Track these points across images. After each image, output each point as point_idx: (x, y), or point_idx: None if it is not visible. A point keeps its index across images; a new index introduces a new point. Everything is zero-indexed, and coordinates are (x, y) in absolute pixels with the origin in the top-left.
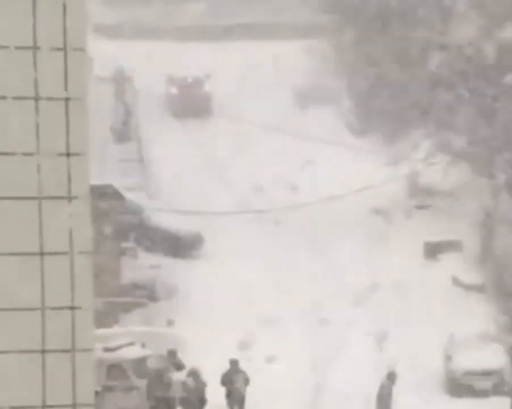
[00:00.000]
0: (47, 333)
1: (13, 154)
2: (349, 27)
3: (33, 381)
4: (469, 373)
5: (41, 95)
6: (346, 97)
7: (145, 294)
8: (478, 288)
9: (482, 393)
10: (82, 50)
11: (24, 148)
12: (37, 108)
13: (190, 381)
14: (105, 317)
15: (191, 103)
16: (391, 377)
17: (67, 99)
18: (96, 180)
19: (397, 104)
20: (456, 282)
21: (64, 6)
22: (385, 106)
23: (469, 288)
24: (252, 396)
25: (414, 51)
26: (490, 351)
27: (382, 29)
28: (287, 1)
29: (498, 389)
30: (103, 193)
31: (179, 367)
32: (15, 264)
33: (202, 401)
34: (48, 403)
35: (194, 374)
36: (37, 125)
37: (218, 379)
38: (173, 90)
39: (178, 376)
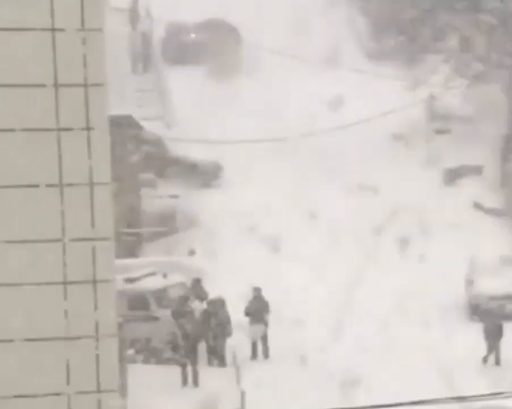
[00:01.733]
0: (69, 264)
1: (30, 86)
2: None
3: (56, 313)
4: (490, 297)
5: (57, 27)
6: (362, 22)
7: (165, 224)
8: (499, 212)
9: (504, 317)
10: None
11: (41, 80)
12: (53, 40)
13: (213, 310)
14: (125, 248)
15: (177, 49)
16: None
17: (84, 30)
18: (114, 111)
19: (414, 27)
20: (477, 206)
21: None
22: (402, 30)
23: (489, 212)
24: (275, 323)
25: None
26: None
27: None
28: None
29: None
30: (121, 124)
31: (202, 296)
32: (35, 196)
33: (226, 331)
34: (71, 334)
35: (217, 303)
36: (54, 57)
37: (240, 308)
38: (163, 34)
39: (201, 306)
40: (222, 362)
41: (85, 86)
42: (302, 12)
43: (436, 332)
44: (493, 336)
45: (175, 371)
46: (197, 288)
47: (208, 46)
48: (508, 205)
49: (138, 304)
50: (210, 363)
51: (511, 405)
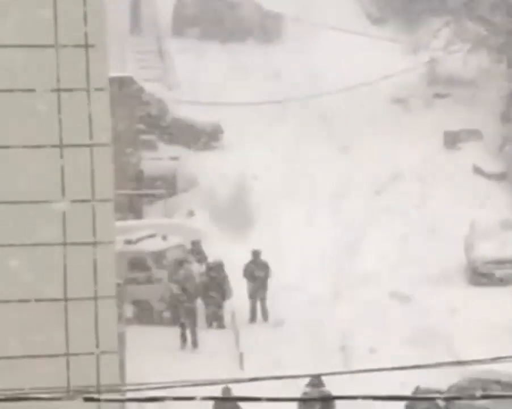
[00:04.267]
0: (69, 226)
1: (31, 46)
2: None
3: (56, 274)
4: (491, 262)
5: None
6: None
7: (165, 186)
8: (499, 177)
9: (504, 282)
10: None
11: (42, 40)
12: (55, 1)
13: (212, 272)
14: (125, 210)
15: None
16: None
17: None
18: (115, 72)
19: None
20: (477, 170)
21: None
22: None
23: (489, 176)
24: (275, 286)
25: None
26: None
27: None
28: None
29: None
30: (122, 86)
31: (201, 258)
32: (34, 157)
33: (225, 293)
34: (70, 296)
35: (216, 265)
36: (55, 17)
37: (240, 271)
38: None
39: (199, 268)
40: (221, 324)
41: (86, 46)
42: None
43: (435, 295)
44: None
45: (174, 333)
46: (196, 250)
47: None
48: (508, 169)
49: (137, 265)
50: (209, 325)
51: (510, 370)
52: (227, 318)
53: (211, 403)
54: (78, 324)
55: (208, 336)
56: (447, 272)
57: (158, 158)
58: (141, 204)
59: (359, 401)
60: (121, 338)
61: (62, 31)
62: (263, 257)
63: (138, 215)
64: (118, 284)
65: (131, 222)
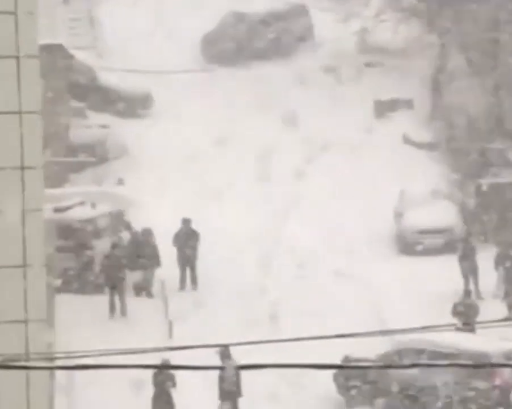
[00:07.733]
0: None
1: None
2: None
3: None
4: (419, 231)
5: None
6: None
7: (95, 154)
8: (429, 146)
9: (433, 251)
10: None
11: None
12: None
13: (141, 240)
14: (55, 178)
15: None
16: None
17: None
18: (45, 40)
19: None
20: (407, 140)
21: None
22: None
23: (419, 146)
24: (204, 254)
25: None
26: (441, 209)
27: None
28: None
29: (448, 247)
30: (52, 53)
31: (130, 226)
32: None
33: (154, 261)
34: None
35: (145, 233)
36: None
37: (169, 239)
38: None
39: (129, 236)
40: (149, 293)
41: (15, 14)
42: None
43: (365, 264)
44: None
45: (103, 301)
46: (125, 218)
47: None
48: (438, 139)
49: (66, 233)
50: (137, 293)
51: (438, 339)
52: (156, 286)
53: (139, 370)
54: (6, 292)
55: (137, 304)
56: (377, 241)
57: (88, 126)
58: (71, 172)
59: (290, 369)
60: (50, 307)
61: None
62: (193, 225)
63: (67, 182)
64: (47, 252)
65: (60, 190)
